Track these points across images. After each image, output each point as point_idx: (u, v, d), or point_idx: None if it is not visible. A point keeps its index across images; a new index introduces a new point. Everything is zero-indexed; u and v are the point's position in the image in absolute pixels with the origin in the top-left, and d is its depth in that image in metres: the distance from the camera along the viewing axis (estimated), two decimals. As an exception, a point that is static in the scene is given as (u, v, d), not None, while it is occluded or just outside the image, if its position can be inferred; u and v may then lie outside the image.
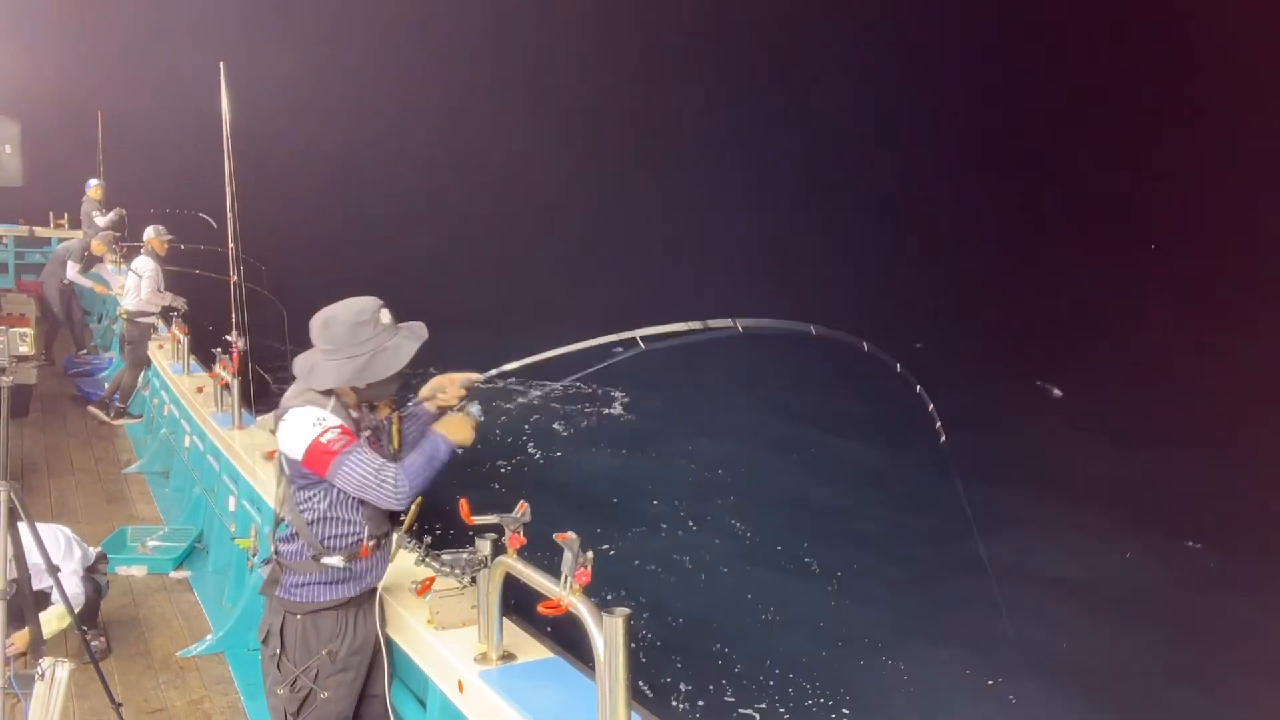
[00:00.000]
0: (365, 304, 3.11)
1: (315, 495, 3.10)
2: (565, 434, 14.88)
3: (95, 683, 4.26)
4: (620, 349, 3.33)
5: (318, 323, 3.09)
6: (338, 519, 3.13)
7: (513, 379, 15.48)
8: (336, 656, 3.19)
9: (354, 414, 3.15)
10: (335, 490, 3.07)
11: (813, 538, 10.74)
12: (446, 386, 3.26)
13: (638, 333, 3.16)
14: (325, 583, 3.18)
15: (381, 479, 2.95)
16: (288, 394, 3.17)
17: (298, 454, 3.01)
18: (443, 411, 3.27)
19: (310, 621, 3.18)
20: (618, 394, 16.66)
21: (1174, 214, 33.39)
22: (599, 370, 3.35)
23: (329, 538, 3.14)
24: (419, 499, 3.19)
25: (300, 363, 3.14)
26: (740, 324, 3.11)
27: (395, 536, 3.36)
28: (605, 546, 9.83)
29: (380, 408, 3.27)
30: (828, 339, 3.31)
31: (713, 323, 3.13)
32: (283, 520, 3.24)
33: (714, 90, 43.12)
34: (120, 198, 15.24)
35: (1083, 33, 41.20)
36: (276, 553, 3.25)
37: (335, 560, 3.15)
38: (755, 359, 17.30)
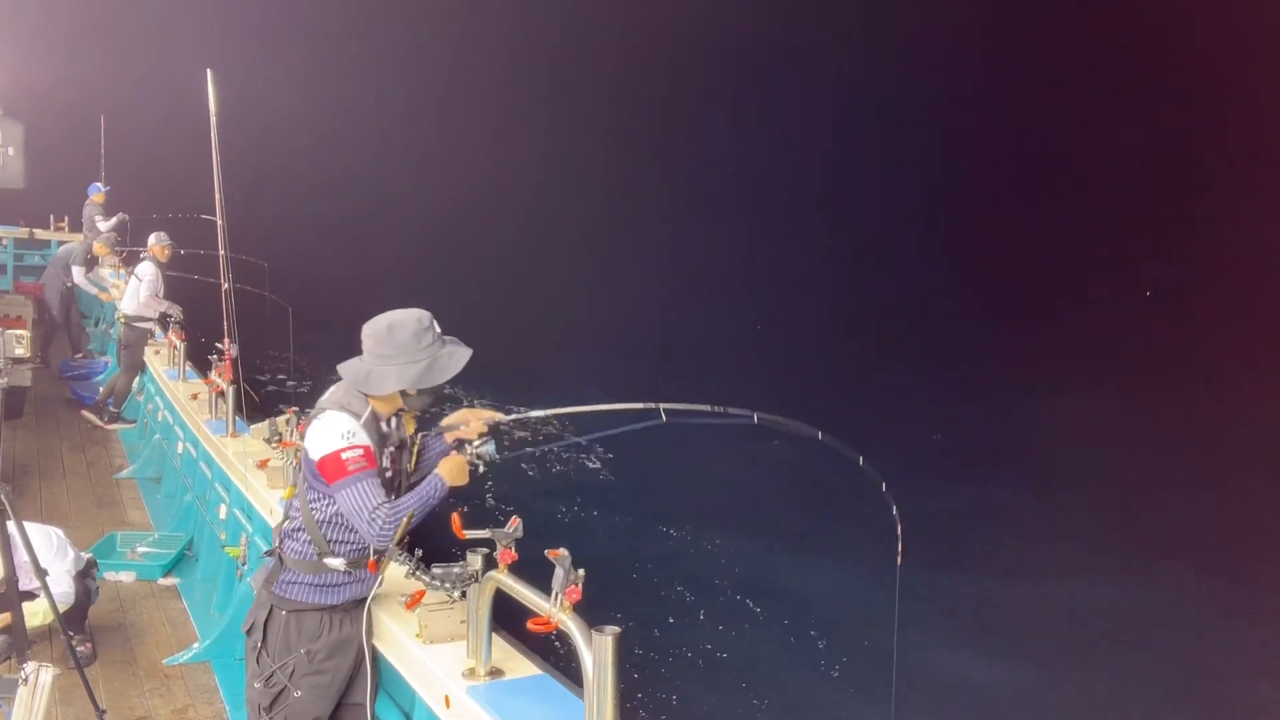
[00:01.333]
0: (423, 313, 3.19)
1: (326, 498, 3.15)
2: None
3: (79, 689, 4.22)
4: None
5: (380, 329, 3.14)
6: (346, 525, 3.17)
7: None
8: (314, 657, 3.22)
9: (384, 427, 3.20)
10: None
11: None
12: (470, 420, 3.34)
13: (662, 406, 3.23)
14: (318, 585, 3.22)
15: (373, 517, 3.01)
16: (327, 395, 3.22)
17: (316, 455, 3.08)
18: (460, 445, 3.33)
19: (294, 619, 3.23)
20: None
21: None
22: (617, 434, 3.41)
23: (336, 541, 3.20)
24: (410, 513, 3.19)
25: (351, 368, 3.17)
26: (757, 417, 3.17)
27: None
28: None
29: (408, 423, 3.33)
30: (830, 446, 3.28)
31: (732, 410, 3.18)
32: (290, 515, 3.29)
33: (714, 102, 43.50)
34: (121, 202, 15.24)
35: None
36: (280, 547, 3.27)
37: (338, 563, 3.20)
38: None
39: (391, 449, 3.24)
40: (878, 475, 3.04)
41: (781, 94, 44.56)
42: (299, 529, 3.23)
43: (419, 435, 3.41)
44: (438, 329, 3.18)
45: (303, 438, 3.27)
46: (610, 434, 3.40)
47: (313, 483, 3.17)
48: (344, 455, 3.03)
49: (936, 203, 42.46)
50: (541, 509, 12.48)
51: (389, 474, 3.20)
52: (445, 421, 3.40)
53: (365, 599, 3.33)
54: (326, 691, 3.26)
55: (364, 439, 3.07)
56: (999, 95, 43.18)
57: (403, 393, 3.17)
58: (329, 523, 3.18)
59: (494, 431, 3.37)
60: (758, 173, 42.96)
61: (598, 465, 15.19)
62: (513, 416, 3.44)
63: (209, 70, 6.27)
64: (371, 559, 3.21)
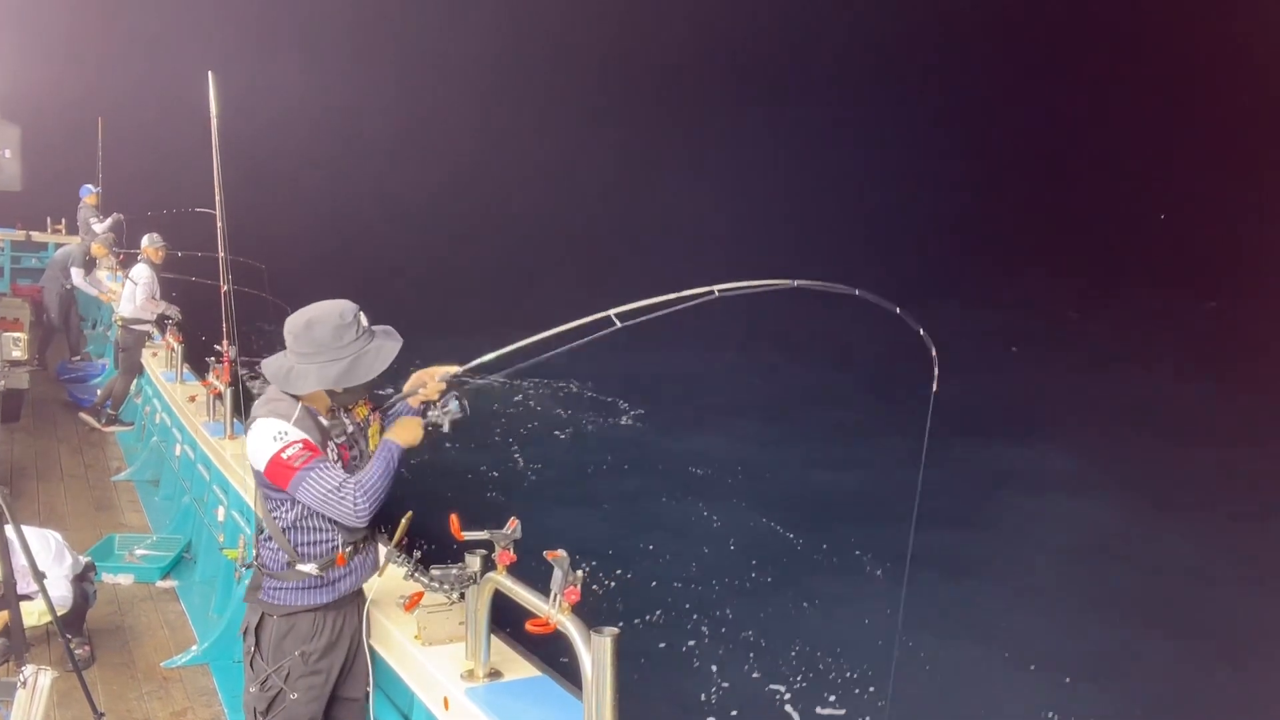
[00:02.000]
0: (345, 307, 3.08)
1: (284, 504, 3.11)
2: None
3: (78, 691, 4.21)
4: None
5: (298, 325, 3.05)
6: (310, 527, 3.13)
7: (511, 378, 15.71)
8: (309, 658, 3.20)
9: (324, 420, 3.13)
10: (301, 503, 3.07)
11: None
12: (427, 381, 3.25)
13: (613, 311, 3.14)
14: (302, 588, 3.19)
15: (341, 496, 2.95)
16: (258, 400, 3.16)
17: (260, 466, 3.03)
18: (425, 408, 3.25)
19: (286, 623, 3.21)
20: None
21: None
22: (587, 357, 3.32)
23: (303, 544, 3.15)
24: (409, 514, 3.18)
25: (272, 365, 3.09)
26: (718, 289, 3.08)
27: (384, 550, 3.35)
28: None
29: (356, 410, 3.26)
30: (813, 289, 3.27)
31: (688, 292, 3.08)
32: (260, 525, 3.26)
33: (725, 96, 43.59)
34: (118, 204, 15.22)
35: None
36: (258, 557, 3.26)
37: (310, 568, 3.16)
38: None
39: (340, 439, 3.15)
40: (914, 323, 3.09)
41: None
42: (267, 539, 3.19)
43: (375, 414, 3.31)
44: (364, 322, 3.08)
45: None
46: (570, 348, 3.25)
47: (268, 492, 3.11)
48: (284, 455, 2.95)
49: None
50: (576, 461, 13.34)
51: (340, 464, 3.12)
52: (405, 388, 3.32)
53: (359, 591, 3.32)
54: (322, 691, 3.25)
55: (298, 434, 3.00)
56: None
57: (329, 390, 3.08)
58: (293, 528, 3.13)
59: (455, 386, 3.24)
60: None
61: (629, 421, 15.96)
62: (469, 365, 3.26)
63: (210, 73, 6.27)
64: (340, 553, 3.15)
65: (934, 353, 3.18)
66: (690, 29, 44.03)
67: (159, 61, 30.19)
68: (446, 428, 3.18)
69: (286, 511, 3.11)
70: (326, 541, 3.15)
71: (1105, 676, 8.04)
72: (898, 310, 3.27)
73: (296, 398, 3.08)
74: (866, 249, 30.81)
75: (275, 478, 2.99)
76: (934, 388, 3.11)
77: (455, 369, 3.23)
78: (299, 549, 3.15)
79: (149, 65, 30.11)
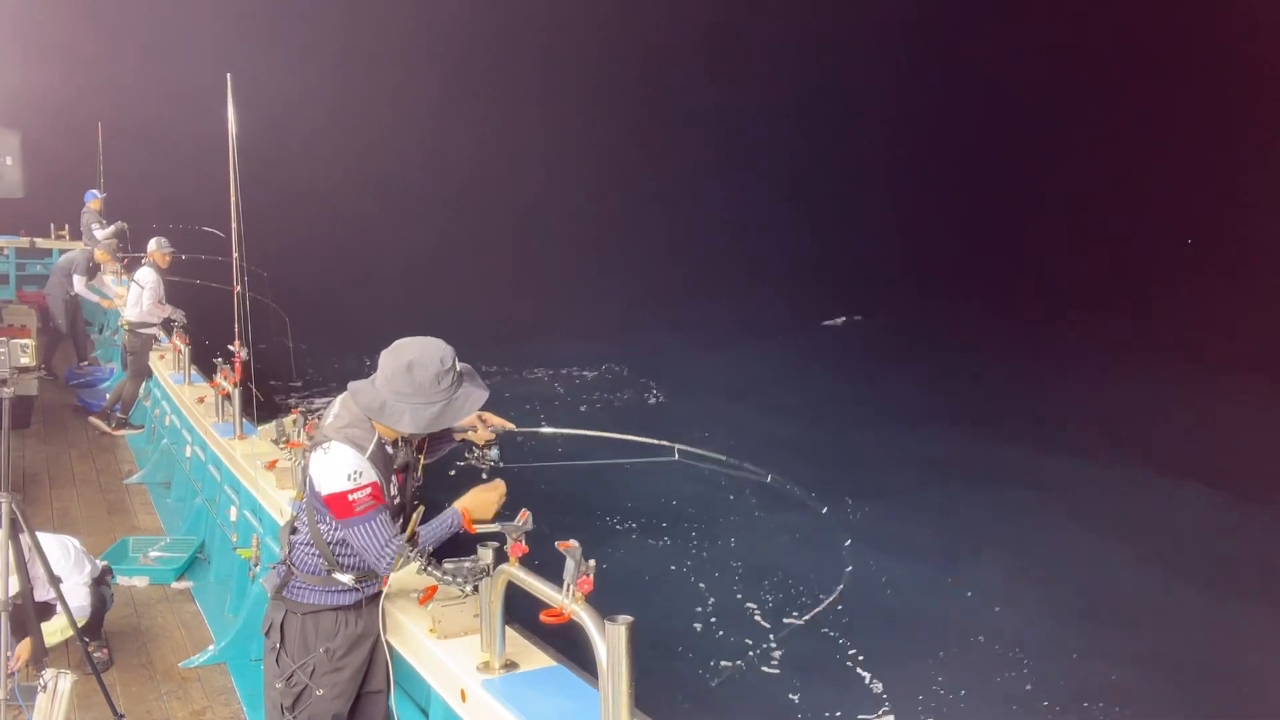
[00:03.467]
0: (446, 352, 3.08)
1: (334, 526, 3.15)
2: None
3: (97, 694, 4.26)
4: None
5: (400, 365, 3.02)
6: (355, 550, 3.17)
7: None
8: (334, 655, 3.24)
9: (390, 450, 3.17)
10: None
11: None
12: (479, 426, 3.33)
13: (677, 445, 3.31)
14: (331, 590, 3.24)
15: (383, 554, 3.04)
16: (332, 419, 3.15)
17: (323, 490, 3.05)
18: (468, 444, 3.35)
19: (311, 620, 3.25)
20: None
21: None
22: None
23: (345, 557, 3.21)
24: (420, 507, 3.20)
25: (365, 396, 3.07)
26: (771, 477, 3.25)
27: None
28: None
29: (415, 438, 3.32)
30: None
31: (748, 465, 3.32)
32: (297, 526, 3.30)
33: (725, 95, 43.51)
34: (121, 209, 15.24)
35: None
36: (289, 556, 3.29)
37: (347, 578, 3.22)
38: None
39: (400, 468, 3.21)
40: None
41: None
42: (308, 543, 3.22)
43: (425, 442, 3.40)
44: (458, 367, 3.11)
45: (305, 457, 3.22)
46: (619, 462, 3.44)
47: (320, 509, 3.14)
48: (351, 497, 3.00)
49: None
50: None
51: (397, 499, 3.18)
52: (458, 423, 3.36)
53: (378, 595, 3.35)
54: (347, 687, 3.28)
55: (371, 476, 3.03)
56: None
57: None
58: (338, 544, 3.18)
59: (501, 439, 3.38)
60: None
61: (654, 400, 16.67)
62: (524, 430, 3.42)
63: (229, 75, 6.29)
64: (385, 574, 3.23)
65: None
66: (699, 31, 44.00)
67: (160, 65, 30.18)
68: (486, 475, 3.33)
69: (336, 529, 3.14)
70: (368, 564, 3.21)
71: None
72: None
73: (372, 427, 3.10)
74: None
75: (334, 509, 3.04)
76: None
77: (510, 426, 3.35)
78: (340, 559, 3.20)
79: (149, 71, 30.08)
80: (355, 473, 3.01)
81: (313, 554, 3.22)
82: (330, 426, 3.12)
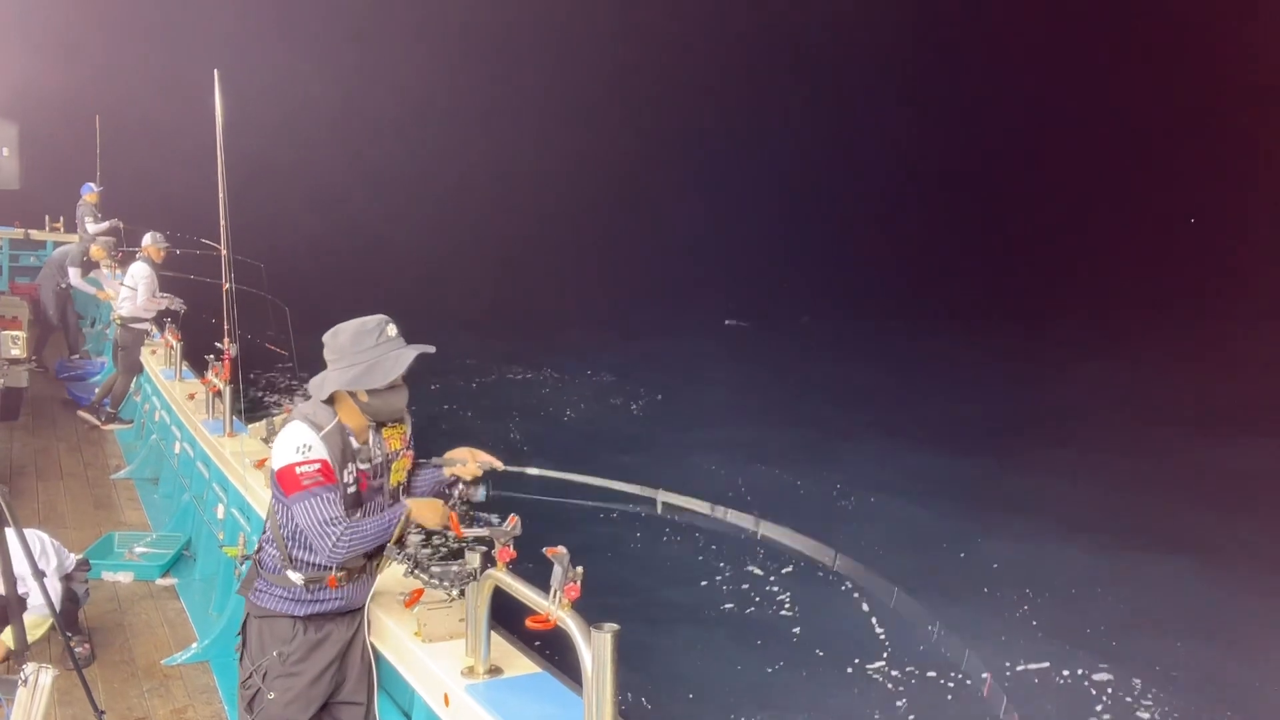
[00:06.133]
0: (371, 318, 3.18)
1: (287, 510, 3.14)
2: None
3: (78, 689, 4.22)
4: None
5: (327, 335, 3.17)
6: (307, 542, 3.14)
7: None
8: (286, 659, 3.23)
9: (355, 442, 3.17)
10: None
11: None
12: (468, 460, 3.32)
13: (660, 495, 3.30)
14: (284, 596, 3.23)
15: (325, 532, 3.01)
16: (301, 405, 3.23)
17: (275, 466, 3.10)
18: (455, 481, 3.33)
19: (266, 624, 3.26)
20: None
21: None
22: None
23: (298, 556, 3.19)
24: (408, 510, 3.20)
25: (314, 379, 3.20)
26: (762, 530, 3.17)
27: (384, 548, 3.35)
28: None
29: (392, 439, 3.30)
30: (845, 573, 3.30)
31: (731, 513, 3.22)
32: (266, 525, 3.32)
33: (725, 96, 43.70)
34: (117, 202, 15.20)
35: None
36: (258, 553, 3.30)
37: (297, 579, 3.20)
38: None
39: (364, 465, 3.19)
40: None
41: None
42: (270, 540, 3.25)
43: (408, 451, 3.38)
44: (391, 332, 3.14)
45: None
46: (601, 506, 3.42)
47: (276, 494, 3.15)
48: (299, 469, 3.01)
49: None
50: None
51: (352, 489, 3.15)
52: (447, 455, 3.38)
53: (335, 614, 3.31)
54: (303, 694, 3.24)
55: (321, 452, 3.05)
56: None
57: (357, 400, 3.14)
58: (293, 539, 3.17)
59: (489, 475, 3.35)
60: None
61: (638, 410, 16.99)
62: (511, 468, 3.39)
63: (215, 71, 6.27)
64: (332, 575, 3.19)
65: None
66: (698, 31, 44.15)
67: (158, 59, 30.13)
68: (465, 510, 3.29)
69: (290, 519, 3.14)
70: (318, 562, 3.18)
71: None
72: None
73: (334, 412, 3.14)
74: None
75: (283, 484, 3.05)
76: None
77: (498, 463, 3.33)
78: (293, 557, 3.19)
79: (147, 62, 30.03)
80: (304, 445, 3.05)
81: (272, 549, 3.23)
82: (296, 408, 3.21)
